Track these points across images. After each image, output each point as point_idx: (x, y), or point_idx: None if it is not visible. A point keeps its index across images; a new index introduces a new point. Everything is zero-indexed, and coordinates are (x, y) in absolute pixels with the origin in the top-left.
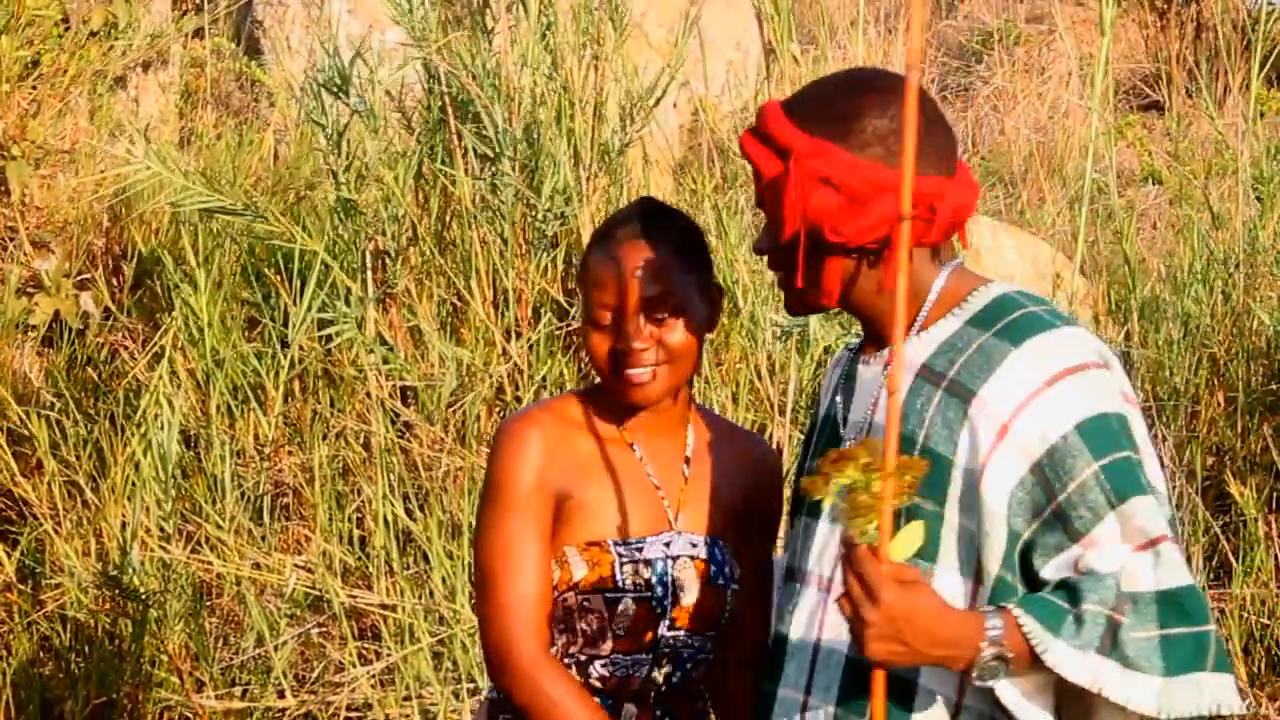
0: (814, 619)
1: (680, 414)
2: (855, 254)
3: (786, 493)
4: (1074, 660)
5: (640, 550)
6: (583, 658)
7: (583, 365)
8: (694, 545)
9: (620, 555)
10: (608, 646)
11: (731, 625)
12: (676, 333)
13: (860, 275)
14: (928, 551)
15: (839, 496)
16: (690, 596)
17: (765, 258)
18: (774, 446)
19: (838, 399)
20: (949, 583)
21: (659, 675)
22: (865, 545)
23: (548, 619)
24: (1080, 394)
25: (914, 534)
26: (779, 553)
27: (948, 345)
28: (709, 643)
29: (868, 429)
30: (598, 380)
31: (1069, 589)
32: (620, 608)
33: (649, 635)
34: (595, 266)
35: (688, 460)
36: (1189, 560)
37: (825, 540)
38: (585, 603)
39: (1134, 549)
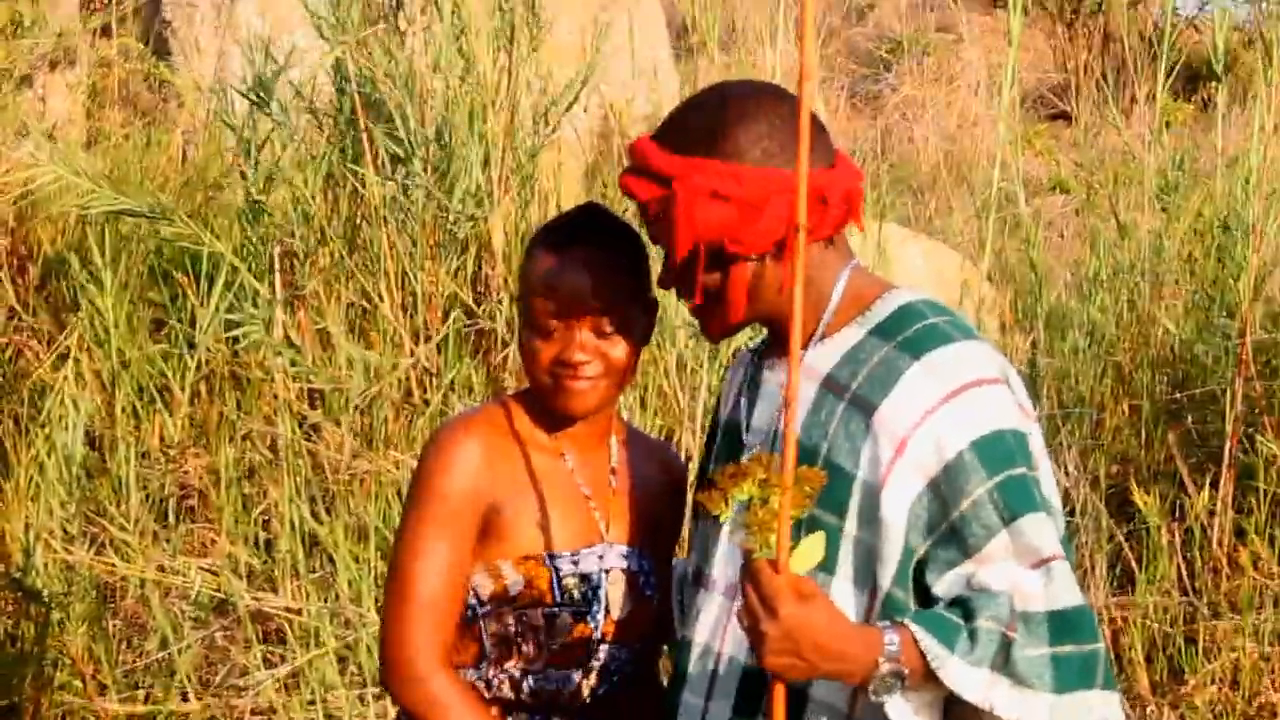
0: (718, 625)
1: (606, 424)
2: (756, 261)
3: (689, 496)
4: (967, 676)
5: (576, 563)
6: (516, 673)
7: (491, 368)
8: (624, 557)
9: (557, 569)
10: (541, 661)
11: (655, 635)
12: (619, 347)
13: (763, 281)
14: (826, 563)
15: (736, 512)
16: (620, 609)
17: (674, 290)
18: (684, 453)
19: (741, 403)
20: (845, 594)
21: (586, 689)
22: (764, 558)
23: (453, 632)
24: (977, 410)
25: (815, 547)
26: (680, 554)
27: (850, 356)
28: (635, 655)
29: (772, 437)
30: (527, 386)
31: (962, 605)
32: (557, 622)
33: (581, 649)
34: (543, 275)
35: (614, 471)
36: (1092, 568)
37: (730, 546)
38: (522, 617)
39: (1026, 567)
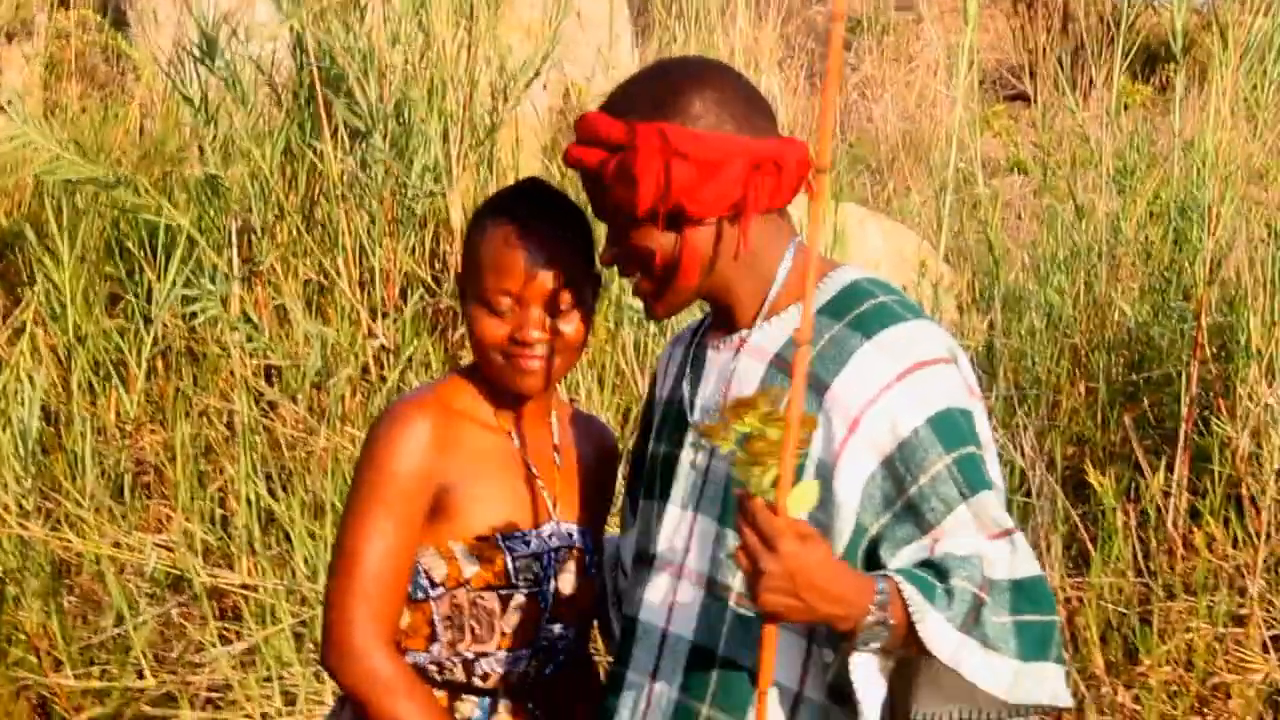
0: (664, 604)
1: (548, 402)
2: (712, 225)
3: (623, 470)
4: (943, 633)
5: (528, 544)
6: (470, 655)
7: (450, 345)
8: (571, 535)
9: (511, 550)
10: (494, 643)
11: (593, 613)
12: (572, 324)
13: (717, 250)
14: None
15: (737, 444)
16: (569, 588)
17: (617, 267)
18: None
19: (684, 383)
20: None
21: (534, 670)
22: (760, 499)
23: (398, 613)
24: (930, 388)
25: (810, 490)
26: (614, 531)
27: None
28: (579, 633)
29: (719, 415)
30: (473, 361)
31: (934, 567)
32: (512, 603)
33: (532, 630)
34: (497, 251)
35: (556, 448)
36: (1048, 549)
37: (676, 524)
38: (478, 600)
39: (989, 537)
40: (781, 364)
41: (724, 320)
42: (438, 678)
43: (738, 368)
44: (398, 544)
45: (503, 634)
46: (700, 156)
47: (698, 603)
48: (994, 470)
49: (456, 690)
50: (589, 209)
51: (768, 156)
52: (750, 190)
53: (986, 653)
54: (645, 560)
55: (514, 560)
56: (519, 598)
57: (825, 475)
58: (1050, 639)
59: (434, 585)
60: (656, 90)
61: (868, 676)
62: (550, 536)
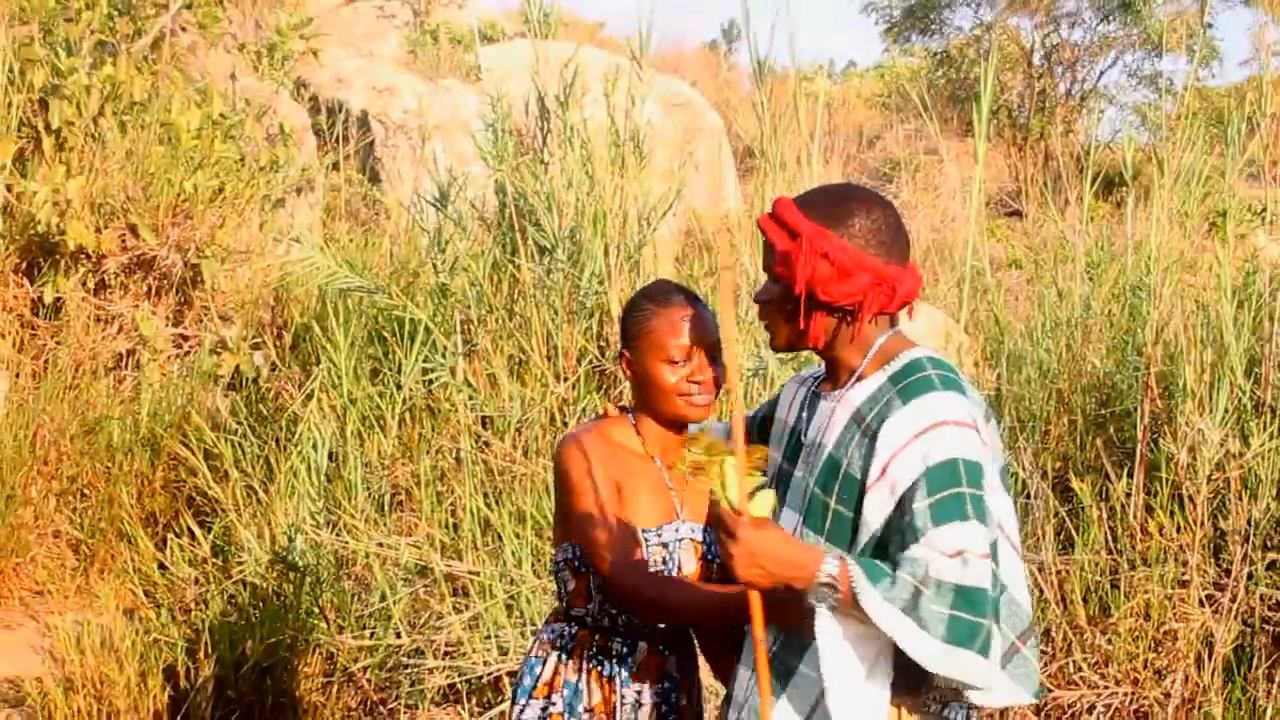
0: None
1: (683, 436)
2: (836, 312)
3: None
4: (880, 607)
5: (660, 535)
6: (613, 611)
7: (612, 396)
8: (694, 531)
9: (647, 540)
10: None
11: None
12: (719, 370)
13: (838, 329)
14: (843, 544)
15: (689, 467)
16: (690, 568)
17: (759, 307)
18: None
19: (803, 415)
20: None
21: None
22: (725, 505)
23: (629, 548)
24: (940, 444)
25: (767, 497)
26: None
27: (873, 398)
28: None
29: (816, 447)
30: (628, 407)
31: (894, 562)
32: None
33: None
34: (671, 320)
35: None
36: (1043, 535)
37: (786, 522)
38: None
39: (946, 555)
40: (858, 417)
41: (831, 374)
42: (593, 624)
43: (834, 415)
44: (607, 512)
45: None
46: (841, 262)
47: None
48: (994, 506)
49: (607, 633)
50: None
51: (889, 279)
52: (867, 298)
53: (918, 632)
54: None
55: (648, 547)
56: None
57: (862, 497)
58: (975, 634)
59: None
60: (834, 203)
61: (832, 631)
62: (677, 530)
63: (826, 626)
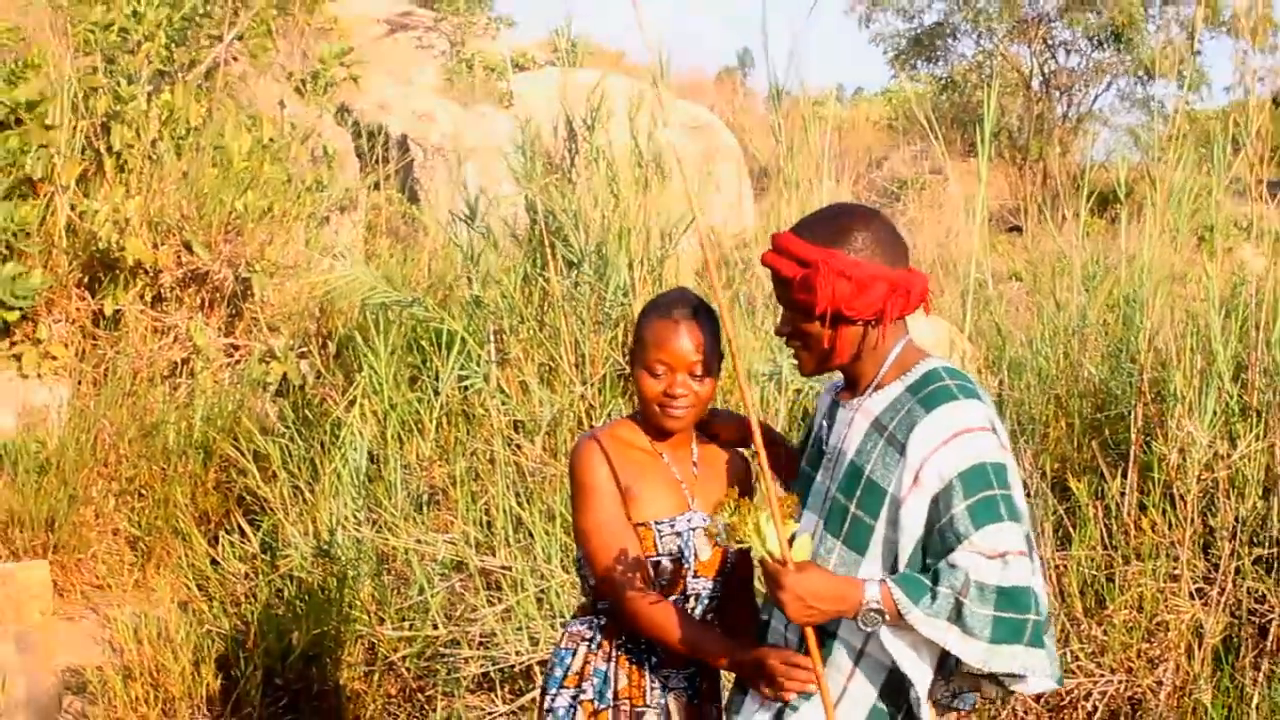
0: None
1: (689, 434)
2: (860, 325)
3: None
4: (925, 622)
5: (672, 526)
6: None
7: (634, 402)
8: (705, 520)
9: (659, 531)
10: (656, 591)
11: (732, 572)
12: (704, 387)
13: (862, 342)
14: (859, 547)
15: (724, 530)
16: (705, 555)
17: (784, 338)
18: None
19: (824, 424)
20: (873, 570)
21: (687, 610)
22: (767, 555)
23: (631, 555)
24: (967, 450)
25: (805, 541)
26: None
27: (892, 406)
28: (718, 585)
29: (837, 454)
30: (637, 410)
31: (935, 573)
32: (660, 567)
33: (681, 583)
34: (658, 333)
35: (695, 464)
36: (1043, 532)
37: (805, 523)
38: None
39: (986, 558)
40: (878, 425)
41: (850, 384)
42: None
43: (853, 423)
44: (608, 519)
45: (660, 586)
46: (857, 278)
47: None
48: (1019, 502)
49: None
50: (716, 299)
51: (902, 283)
52: (888, 305)
53: (965, 637)
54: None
55: (661, 538)
56: (665, 563)
57: (896, 509)
58: (1022, 630)
59: None
60: (834, 225)
61: (900, 649)
62: (689, 520)
63: (892, 640)
